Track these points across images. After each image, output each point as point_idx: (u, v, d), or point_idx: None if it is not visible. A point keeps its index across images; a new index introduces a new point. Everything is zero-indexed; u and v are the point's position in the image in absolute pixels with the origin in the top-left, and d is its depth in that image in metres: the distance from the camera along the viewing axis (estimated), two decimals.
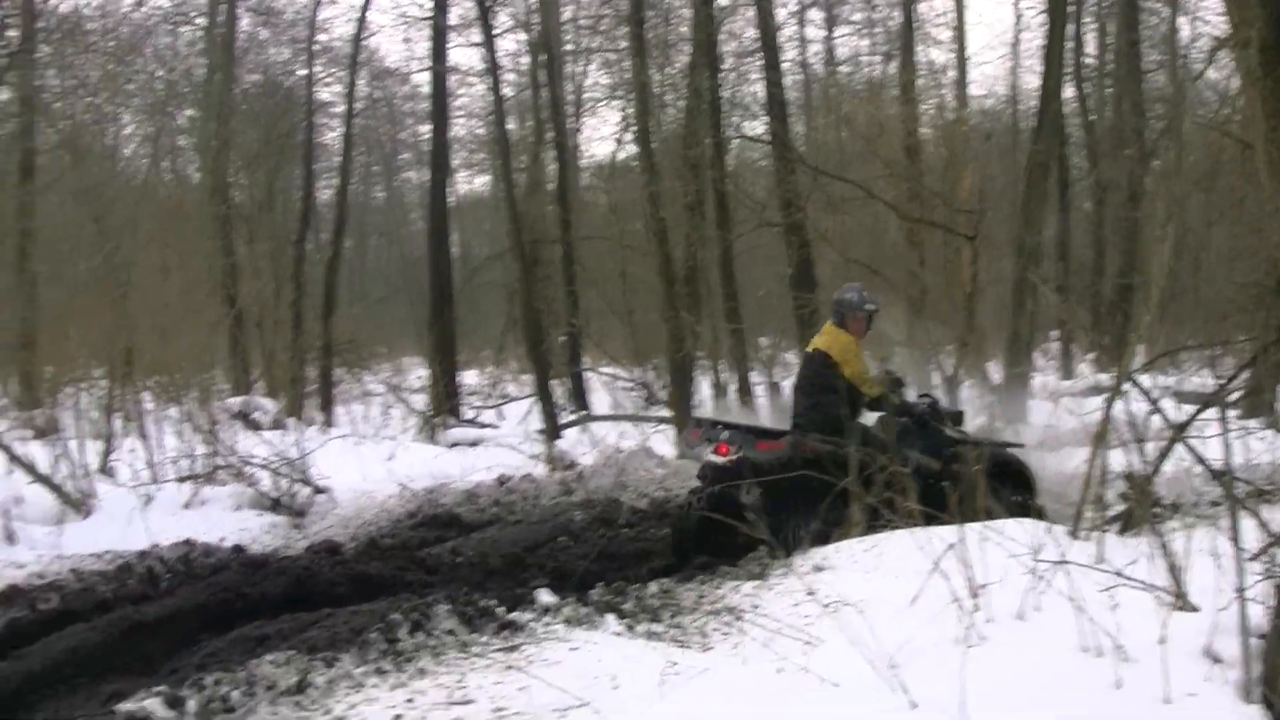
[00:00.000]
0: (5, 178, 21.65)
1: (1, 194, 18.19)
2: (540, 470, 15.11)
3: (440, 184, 25.57)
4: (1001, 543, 6.18)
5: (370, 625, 7.08)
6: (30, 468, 12.22)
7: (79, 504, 12.08)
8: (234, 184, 28.81)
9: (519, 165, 28.07)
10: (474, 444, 18.55)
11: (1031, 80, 31.81)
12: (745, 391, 18.36)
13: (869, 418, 10.76)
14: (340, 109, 31.04)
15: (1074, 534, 7.48)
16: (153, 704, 5.75)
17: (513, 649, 6.65)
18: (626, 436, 15.48)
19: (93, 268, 14.39)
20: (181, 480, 13.27)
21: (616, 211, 21.10)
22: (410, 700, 5.82)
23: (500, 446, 16.85)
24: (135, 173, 25.79)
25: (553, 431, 16.96)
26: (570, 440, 15.52)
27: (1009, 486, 10.44)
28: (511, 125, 33.49)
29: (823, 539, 9.29)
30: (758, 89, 22.91)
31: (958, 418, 11.48)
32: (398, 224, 46.29)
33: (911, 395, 11.26)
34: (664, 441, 15.54)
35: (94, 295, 14.56)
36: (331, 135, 36.37)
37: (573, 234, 23.40)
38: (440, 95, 26.28)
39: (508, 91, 33.11)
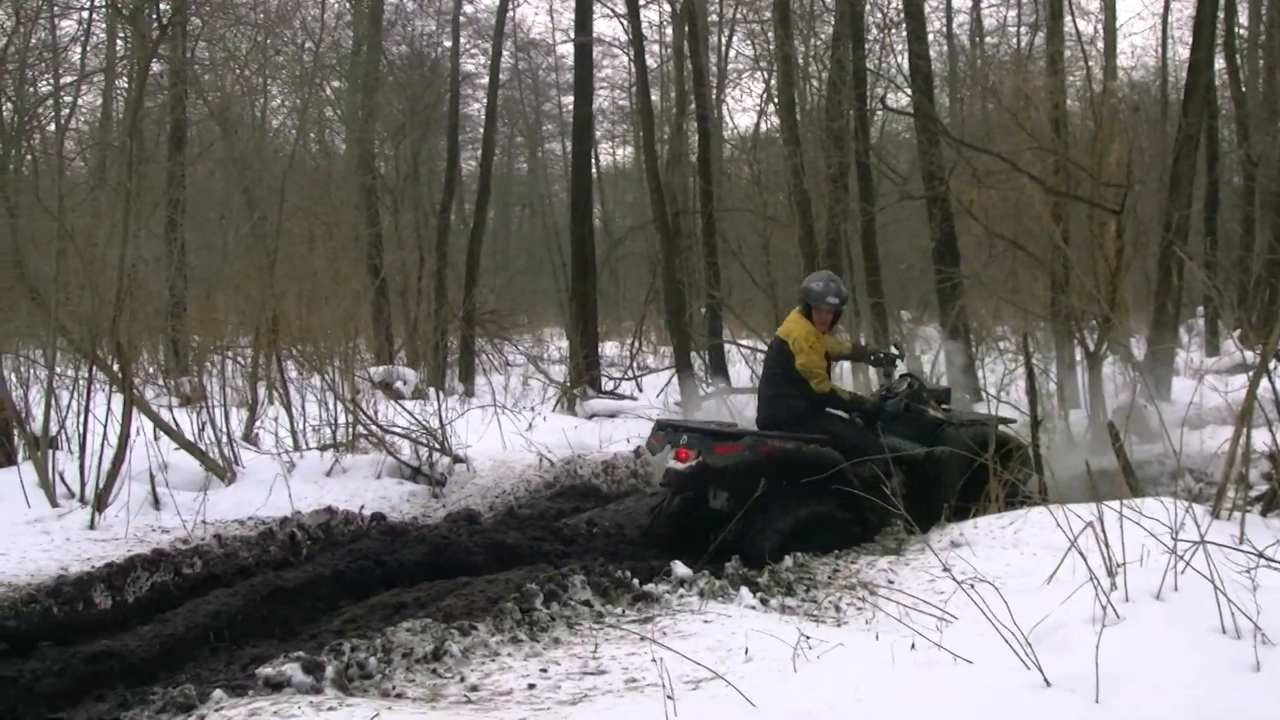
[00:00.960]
0: (157, 149, 22.10)
1: (153, 165, 18.51)
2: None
3: (583, 156, 25.62)
4: (1140, 521, 6.01)
5: (506, 594, 7.12)
6: (177, 435, 12.42)
7: (224, 471, 12.25)
8: (379, 155, 29.12)
9: (662, 137, 28.03)
10: (612, 415, 18.55)
11: (1181, 51, 31.13)
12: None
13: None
14: (485, 80, 31.18)
15: (1215, 514, 7.28)
16: (291, 669, 5.81)
17: (647, 620, 6.63)
18: None
19: (240, 238, 14.57)
20: (323, 448, 13.42)
21: (759, 183, 20.95)
22: (544, 670, 5.84)
23: (639, 418, 16.83)
24: (283, 144, 26.11)
25: (693, 403, 16.87)
26: (709, 413, 15.42)
27: (1007, 465, 9.91)
28: (655, 96, 33.49)
29: (960, 515, 9.13)
30: (902, 60, 22.57)
31: (943, 396, 11.11)
32: (541, 195, 46.44)
33: (897, 376, 11.03)
34: None
35: (241, 265, 14.74)
36: (476, 106, 36.74)
37: (715, 205, 23.29)
38: (583, 67, 26.31)
39: (651, 62, 33.14)
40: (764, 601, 7.01)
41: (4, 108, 13.12)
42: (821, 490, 9.46)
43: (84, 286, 11.36)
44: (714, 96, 29.66)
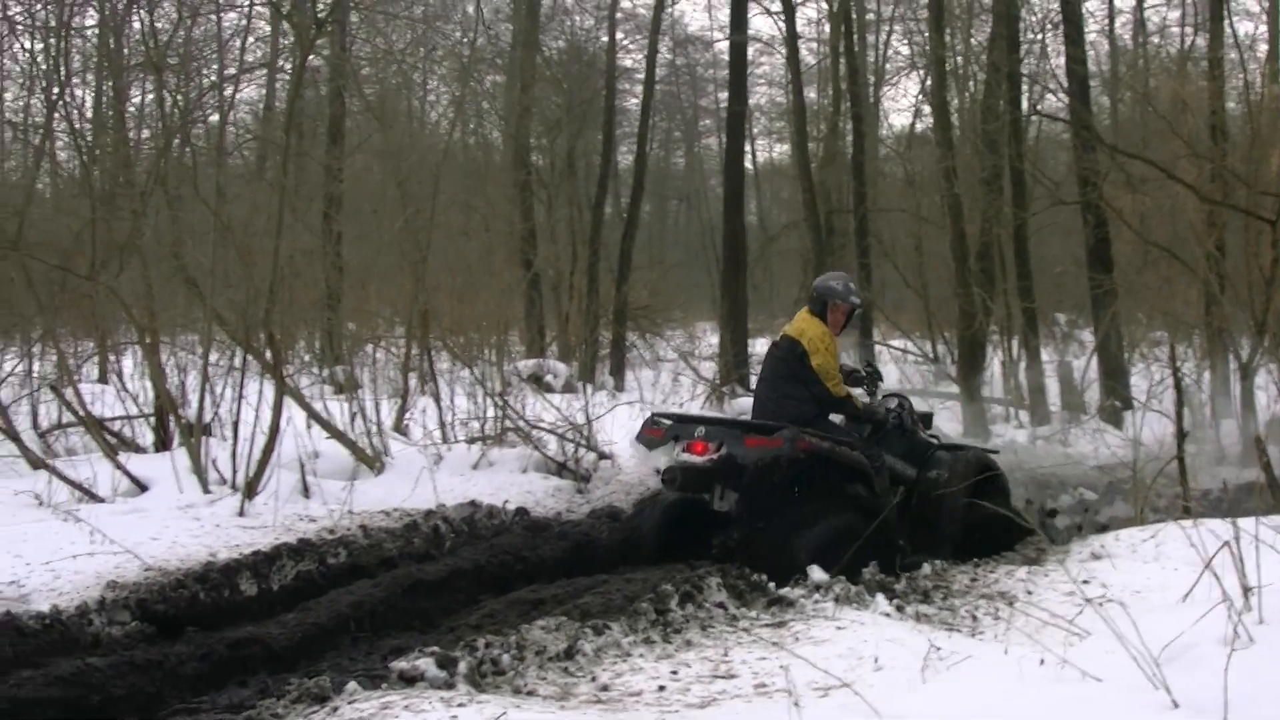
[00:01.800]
0: (315, 142, 22.49)
1: (310, 159, 18.82)
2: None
3: (736, 152, 25.53)
4: None
5: (642, 594, 7.13)
6: (329, 424, 12.58)
7: (373, 461, 12.36)
8: (535, 148, 29.30)
9: (816, 135, 27.84)
10: None
11: None
12: (1035, 369, 17.86)
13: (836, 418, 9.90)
14: (641, 75, 31.19)
15: None
16: (425, 664, 5.87)
17: (780, 625, 6.59)
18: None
19: (394, 230, 14.73)
20: (471, 441, 13.48)
21: (913, 184, 20.72)
22: (675, 672, 5.83)
23: None
24: (439, 137, 26.39)
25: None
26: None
27: (988, 494, 9.66)
28: (811, 94, 33.31)
29: (1100, 528, 8.89)
30: (1059, 64, 22.14)
31: (927, 420, 10.73)
32: (697, 189, 46.45)
33: (881, 396, 10.43)
34: (951, 418, 15.20)
35: (395, 256, 14.91)
36: (633, 101, 36.78)
37: (868, 205, 23.08)
38: (738, 64, 26.19)
39: (809, 60, 32.95)
40: (899, 609, 6.93)
41: (166, 101, 13.44)
42: (845, 499, 9.13)
43: (240, 277, 11.56)
44: (870, 95, 29.42)
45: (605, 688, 5.71)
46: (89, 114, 21.62)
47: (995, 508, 8.92)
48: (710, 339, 29.95)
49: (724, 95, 31.96)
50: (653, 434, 9.53)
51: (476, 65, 27.92)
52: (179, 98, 13.68)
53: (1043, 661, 5.17)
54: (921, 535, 9.39)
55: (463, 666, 5.90)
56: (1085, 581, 6.50)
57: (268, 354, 11.47)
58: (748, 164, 48.43)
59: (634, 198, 27.63)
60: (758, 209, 46.04)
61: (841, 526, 8.73)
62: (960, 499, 9.52)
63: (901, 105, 73.05)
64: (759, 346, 27.64)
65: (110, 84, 19.59)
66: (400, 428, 14.33)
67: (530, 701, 5.38)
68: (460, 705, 5.07)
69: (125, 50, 19.31)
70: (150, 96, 19.75)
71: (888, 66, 33.20)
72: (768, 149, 48.78)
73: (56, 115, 13.12)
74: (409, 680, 5.76)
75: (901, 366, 19.81)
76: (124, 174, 12.74)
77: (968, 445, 10.87)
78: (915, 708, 4.90)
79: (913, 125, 30.17)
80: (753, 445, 8.81)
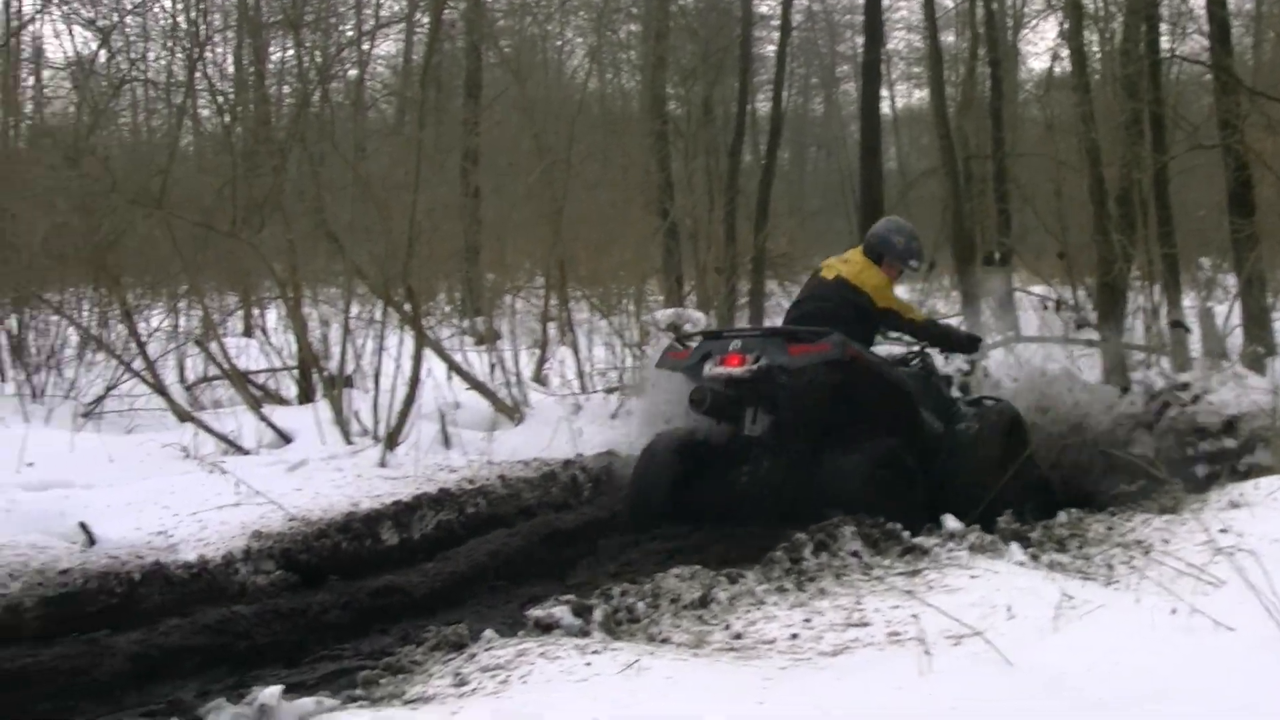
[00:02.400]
0: (452, 94, 22.66)
1: (446, 114, 18.95)
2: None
3: (871, 100, 25.16)
4: None
5: (776, 544, 7.09)
6: (468, 375, 12.69)
7: (512, 412, 12.45)
8: (671, 98, 29.22)
9: (954, 80, 27.41)
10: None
11: None
12: (1176, 314, 17.47)
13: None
14: (777, 22, 30.91)
15: None
16: (561, 611, 5.92)
17: (914, 573, 6.54)
18: (1053, 359, 14.90)
19: (531, 182, 14.81)
20: (609, 391, 13.54)
21: (1051, 128, 20.31)
22: (808, 620, 5.80)
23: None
24: (574, 88, 26.43)
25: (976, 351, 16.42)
26: (994, 361, 15.03)
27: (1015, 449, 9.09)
28: (949, 39, 32.79)
29: (1240, 476, 8.59)
30: (1200, 3, 21.55)
31: (946, 381, 10.15)
32: (836, 136, 46.12)
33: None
34: (1091, 366, 14.92)
35: (532, 208, 15.00)
36: (769, 48, 36.47)
37: (1006, 150, 22.70)
38: (873, 10, 25.80)
39: (946, 3, 32.43)
40: (1034, 558, 6.84)
41: (304, 56, 13.64)
42: (886, 427, 8.43)
43: (379, 231, 11.69)
44: (1008, 39, 28.90)
45: (738, 635, 5.70)
46: (230, 71, 22.05)
47: (1131, 456, 8.69)
48: None
49: (861, 40, 31.61)
50: (677, 356, 8.70)
51: (612, 15, 27.87)
52: (317, 54, 13.82)
53: (1174, 611, 5.07)
54: (950, 493, 8.60)
55: (598, 614, 5.95)
56: (1222, 530, 6.35)
57: (407, 307, 11.59)
58: (886, 110, 48.09)
59: (771, 145, 27.43)
60: (897, 155, 45.60)
61: (882, 456, 8.23)
62: (993, 452, 8.92)
63: (1039, 49, 71.67)
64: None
65: (250, 42, 19.94)
66: (539, 378, 14.44)
67: (664, 649, 5.39)
68: (594, 653, 5.10)
69: (263, 8, 19.63)
70: (289, 53, 20.06)
71: (1026, 10, 32.58)
72: (907, 94, 48.25)
73: (197, 74, 13.35)
74: (545, 628, 5.81)
75: (1041, 314, 19.45)
76: (264, 131, 12.93)
77: (993, 398, 10.30)
78: (1046, 656, 4.84)
79: (1050, 68, 29.54)
80: (797, 352, 8.04)
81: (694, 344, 8.68)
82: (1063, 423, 11.47)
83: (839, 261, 9.40)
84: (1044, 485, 9.42)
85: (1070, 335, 16.82)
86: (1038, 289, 20.17)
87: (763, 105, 35.58)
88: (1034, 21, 32.98)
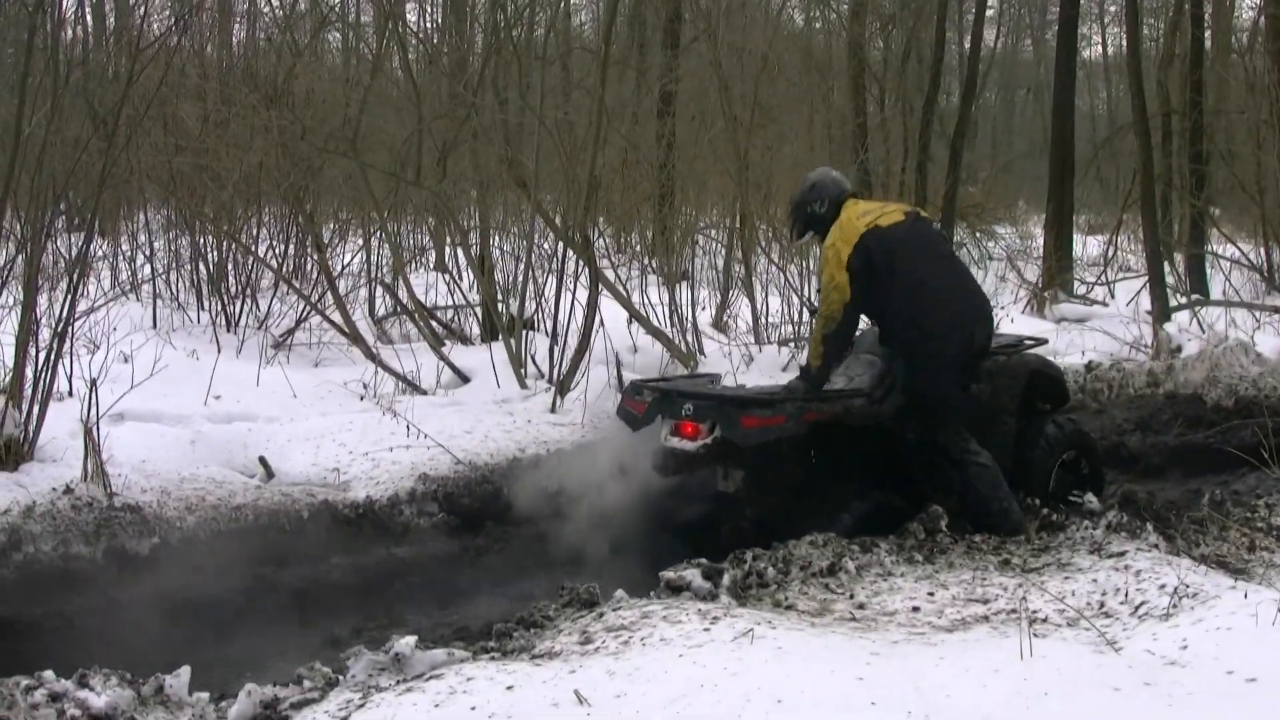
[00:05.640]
0: (650, 45, 22.81)
1: (632, 67, 19.13)
2: (1137, 357, 14.49)
3: (1067, 53, 24.47)
4: None
5: (913, 514, 7.22)
6: (646, 321, 12.72)
7: (687, 359, 12.45)
8: (873, 41, 28.98)
9: (1156, 35, 26.65)
10: (1080, 320, 17.95)
11: None
12: None
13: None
14: None
15: None
16: (691, 574, 6.16)
17: (1044, 550, 6.66)
18: (1238, 325, 14.60)
19: (719, 130, 14.94)
20: (783, 344, 13.60)
21: (1253, 86, 19.70)
22: (931, 594, 5.98)
23: (1095, 331, 16.17)
24: (773, 34, 26.41)
25: (1162, 315, 16.14)
26: (1179, 325, 14.77)
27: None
28: None
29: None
30: None
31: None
32: (1044, 81, 45.16)
33: None
34: (1272, 334, 14.60)
35: (721, 154, 15.10)
36: None
37: (1204, 107, 22.08)
38: None
39: None
40: (1169, 539, 6.84)
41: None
42: (870, 466, 7.75)
43: (564, 178, 11.94)
44: None
45: (861, 605, 5.89)
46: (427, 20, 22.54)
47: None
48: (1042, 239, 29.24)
49: None
50: (635, 408, 7.92)
51: None
52: (510, 2, 14.12)
53: None
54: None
55: (726, 579, 6.17)
56: None
57: (588, 251, 11.75)
58: (1098, 54, 46.93)
59: (965, 94, 26.96)
60: (1107, 101, 44.61)
61: (869, 511, 7.46)
62: (1009, 419, 8.19)
63: (1247, 3, 68.80)
64: (1092, 247, 26.87)
65: None
66: (720, 324, 14.55)
67: (783, 618, 5.58)
68: (714, 619, 5.32)
69: None
70: (482, 2, 20.38)
71: None
72: (1117, 39, 47.00)
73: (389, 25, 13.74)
74: (675, 590, 6.06)
75: (1232, 277, 18.98)
76: (460, 79, 13.27)
77: (1032, 339, 9.30)
78: (1151, 645, 4.93)
79: (1256, 23, 28.52)
80: (750, 425, 7.30)
81: (647, 397, 7.90)
82: (1230, 395, 11.34)
83: (895, 205, 8.38)
84: (1082, 441, 8.68)
85: (1261, 300, 16.46)
86: (1230, 250, 19.71)
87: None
88: None
